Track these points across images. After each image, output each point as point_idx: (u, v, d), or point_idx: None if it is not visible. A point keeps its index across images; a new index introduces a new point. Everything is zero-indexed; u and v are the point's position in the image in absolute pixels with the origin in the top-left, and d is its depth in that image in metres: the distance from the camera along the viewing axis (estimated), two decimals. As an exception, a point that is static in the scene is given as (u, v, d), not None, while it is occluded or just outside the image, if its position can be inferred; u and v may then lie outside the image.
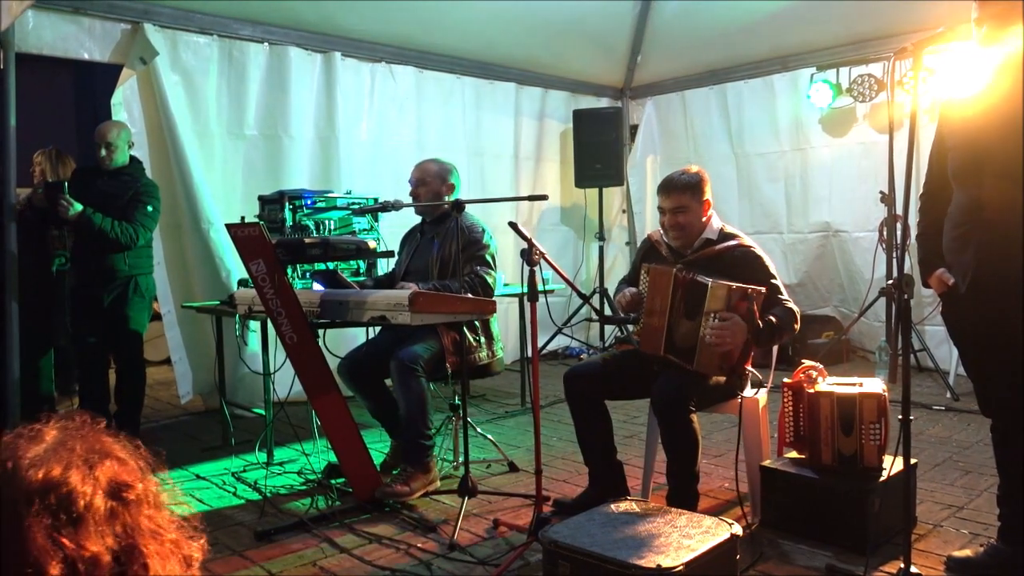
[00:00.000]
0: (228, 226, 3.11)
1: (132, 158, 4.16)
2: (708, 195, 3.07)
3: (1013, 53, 2.29)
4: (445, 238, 3.57)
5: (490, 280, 3.50)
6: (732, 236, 3.06)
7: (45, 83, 7.26)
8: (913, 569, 2.28)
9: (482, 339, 3.55)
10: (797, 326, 2.92)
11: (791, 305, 2.92)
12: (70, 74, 8.06)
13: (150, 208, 4.05)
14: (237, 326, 3.95)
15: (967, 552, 2.58)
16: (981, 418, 2.59)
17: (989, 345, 2.41)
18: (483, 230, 3.60)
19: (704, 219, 3.05)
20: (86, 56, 4.43)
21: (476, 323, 3.50)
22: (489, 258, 3.56)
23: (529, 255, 2.79)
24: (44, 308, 4.29)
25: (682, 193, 3.01)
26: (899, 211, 4.90)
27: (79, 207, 3.81)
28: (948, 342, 4.92)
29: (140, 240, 4.02)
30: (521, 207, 6.47)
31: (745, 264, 2.96)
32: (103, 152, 4.01)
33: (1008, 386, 2.39)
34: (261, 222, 3.38)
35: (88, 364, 4.14)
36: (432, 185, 3.65)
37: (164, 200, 4.28)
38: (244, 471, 3.80)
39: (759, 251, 3.02)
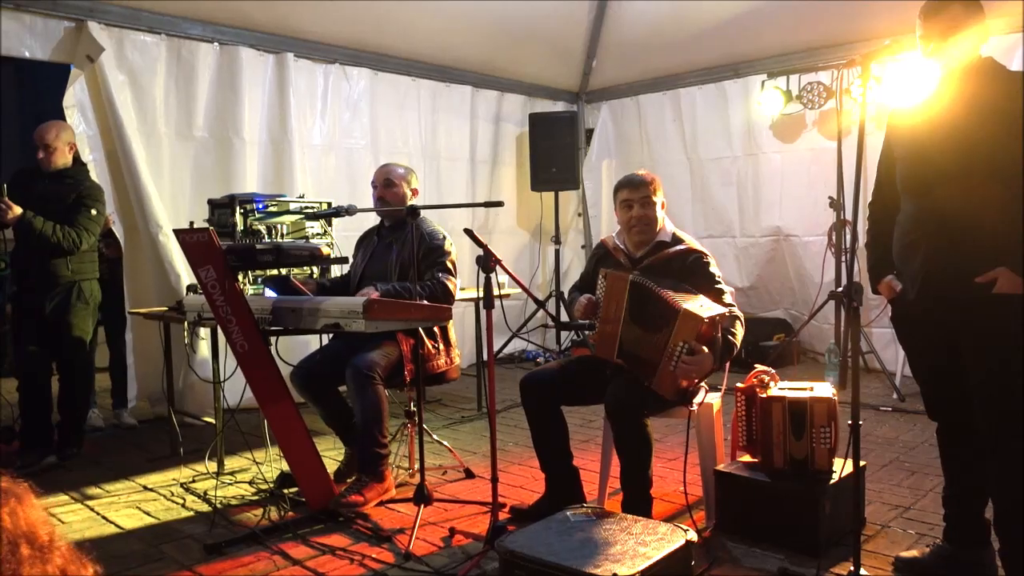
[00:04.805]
0: (176, 232, 3.04)
1: (76, 160, 4.04)
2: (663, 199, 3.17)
3: (957, 64, 2.36)
4: (403, 243, 3.54)
5: (451, 286, 3.47)
6: (683, 241, 3.12)
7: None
8: (863, 571, 2.33)
9: (440, 345, 3.53)
10: (743, 331, 2.97)
11: (736, 312, 2.97)
12: (12, 72, 7.79)
13: (94, 212, 3.94)
14: (186, 333, 3.86)
15: (914, 552, 2.64)
16: (927, 419, 2.65)
17: (937, 351, 2.47)
18: (444, 236, 3.59)
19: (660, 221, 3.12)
20: (27, 54, 4.29)
21: (435, 329, 3.48)
22: (450, 264, 3.54)
23: (486, 262, 2.77)
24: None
25: (649, 186, 3.11)
26: (848, 216, 5.02)
27: (19, 210, 3.68)
28: (895, 344, 5.04)
29: (83, 244, 3.90)
30: (477, 211, 6.45)
31: (696, 270, 3.01)
32: (41, 154, 3.88)
33: (954, 390, 2.45)
34: (211, 227, 3.30)
35: (29, 373, 3.99)
36: (400, 188, 3.63)
37: (114, 204, 4.15)
38: (193, 481, 3.71)
39: (709, 257, 3.08)
